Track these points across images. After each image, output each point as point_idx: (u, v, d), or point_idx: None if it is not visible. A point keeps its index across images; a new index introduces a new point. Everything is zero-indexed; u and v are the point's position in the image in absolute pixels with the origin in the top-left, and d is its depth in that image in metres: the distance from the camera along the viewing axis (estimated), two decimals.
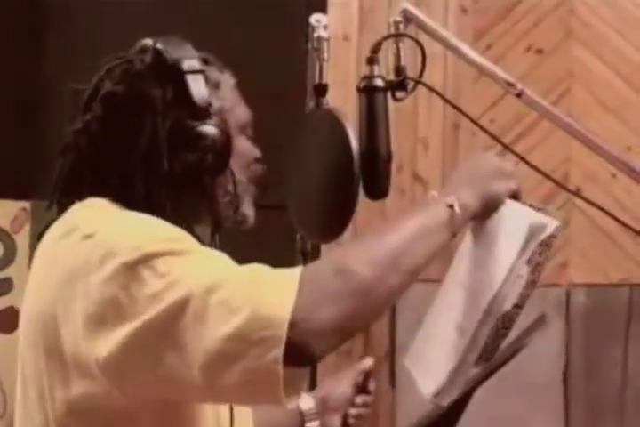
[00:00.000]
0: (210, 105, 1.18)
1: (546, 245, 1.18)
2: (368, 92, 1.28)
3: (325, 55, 1.33)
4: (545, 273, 3.07)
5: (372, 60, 1.28)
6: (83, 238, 1.10)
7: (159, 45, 1.20)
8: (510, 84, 1.29)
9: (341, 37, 3.04)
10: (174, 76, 1.18)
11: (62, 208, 1.21)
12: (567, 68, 3.00)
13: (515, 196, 1.22)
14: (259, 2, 3.25)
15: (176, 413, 1.14)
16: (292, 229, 1.38)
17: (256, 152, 1.29)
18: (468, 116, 1.39)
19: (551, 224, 1.18)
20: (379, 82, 1.28)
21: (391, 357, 2.87)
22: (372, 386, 1.51)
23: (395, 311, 2.76)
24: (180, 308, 1.01)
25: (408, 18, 1.31)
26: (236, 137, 1.23)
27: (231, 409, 1.19)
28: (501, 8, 3.06)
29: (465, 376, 1.20)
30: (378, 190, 1.26)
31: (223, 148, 1.18)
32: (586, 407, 2.73)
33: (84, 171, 1.20)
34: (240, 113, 1.27)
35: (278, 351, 0.97)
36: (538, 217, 1.20)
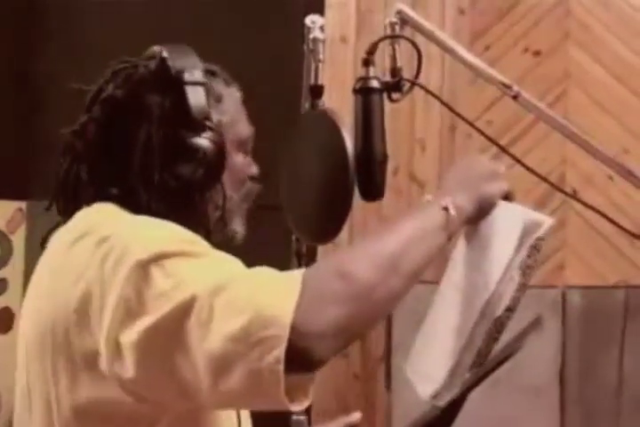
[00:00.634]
0: (207, 118, 1.17)
1: (535, 248, 1.19)
2: (364, 93, 1.27)
3: (321, 56, 1.33)
4: (541, 275, 3.08)
5: (367, 62, 1.28)
6: (98, 243, 1.09)
7: (165, 53, 1.20)
8: (507, 86, 1.29)
9: (339, 39, 3.04)
10: (175, 85, 1.18)
11: (63, 210, 1.21)
12: (564, 69, 3.00)
13: (507, 197, 1.22)
14: (257, 3, 3.25)
15: (190, 419, 1.13)
16: (288, 230, 1.38)
17: (253, 169, 1.28)
18: (463, 118, 1.39)
19: (546, 221, 1.19)
20: (374, 83, 1.27)
21: (387, 358, 2.87)
22: None
23: (391, 313, 2.76)
24: (186, 309, 1.01)
25: (404, 19, 1.31)
26: (232, 152, 1.23)
27: (238, 418, 1.18)
28: (499, 10, 3.06)
29: (462, 377, 1.20)
30: (373, 192, 1.26)
31: (215, 162, 1.18)
32: (581, 409, 2.73)
33: (80, 173, 1.20)
34: (240, 128, 1.26)
35: (279, 351, 0.97)
36: (532, 215, 1.20)
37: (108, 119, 1.19)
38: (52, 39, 3.51)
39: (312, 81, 1.33)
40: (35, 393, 1.15)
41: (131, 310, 1.03)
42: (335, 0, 3.07)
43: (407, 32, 1.34)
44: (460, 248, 1.26)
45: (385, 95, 1.28)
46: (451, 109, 1.38)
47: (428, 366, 1.24)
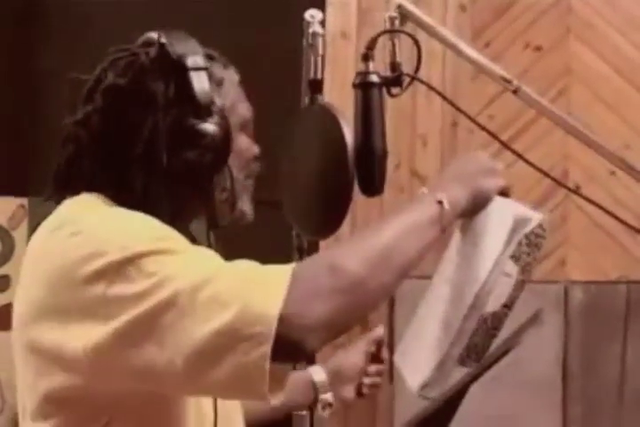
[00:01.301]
0: (212, 103, 1.18)
1: (535, 245, 1.19)
2: (363, 88, 1.27)
3: (320, 51, 1.32)
4: (543, 270, 3.07)
5: (366, 57, 1.28)
6: (70, 235, 1.09)
7: (164, 40, 1.20)
8: (506, 81, 1.29)
9: (340, 35, 3.03)
10: (178, 72, 1.17)
11: (60, 201, 1.21)
12: (566, 64, 3.00)
13: (504, 193, 1.22)
14: None
15: (158, 408, 1.14)
16: (289, 225, 1.38)
17: (255, 149, 1.29)
18: (464, 113, 1.39)
19: (535, 217, 1.19)
20: (374, 78, 1.27)
21: (390, 351, 2.87)
22: (384, 354, 1.52)
23: (393, 307, 2.76)
24: (167, 305, 1.01)
25: (403, 14, 1.31)
26: (236, 135, 1.23)
27: (215, 407, 1.18)
28: (500, 5, 3.06)
29: (450, 370, 1.21)
30: (373, 187, 1.26)
31: (222, 146, 1.18)
32: (584, 404, 2.72)
33: (82, 163, 1.20)
34: (242, 110, 1.27)
35: (266, 348, 0.97)
36: (523, 211, 1.20)
37: (111, 108, 1.19)
38: (53, 37, 3.51)
39: (311, 76, 1.33)
40: (20, 383, 1.17)
41: (109, 310, 1.03)
42: None
43: (409, 28, 1.33)
44: (454, 243, 1.26)
45: (385, 90, 1.28)
46: (452, 104, 1.38)
47: (417, 359, 1.24)
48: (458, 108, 1.38)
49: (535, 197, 2.87)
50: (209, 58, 1.22)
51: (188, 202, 1.20)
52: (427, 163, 3.04)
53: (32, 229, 3.30)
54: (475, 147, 2.96)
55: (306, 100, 1.34)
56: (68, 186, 1.21)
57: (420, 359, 1.24)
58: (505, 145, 1.40)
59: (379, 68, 1.29)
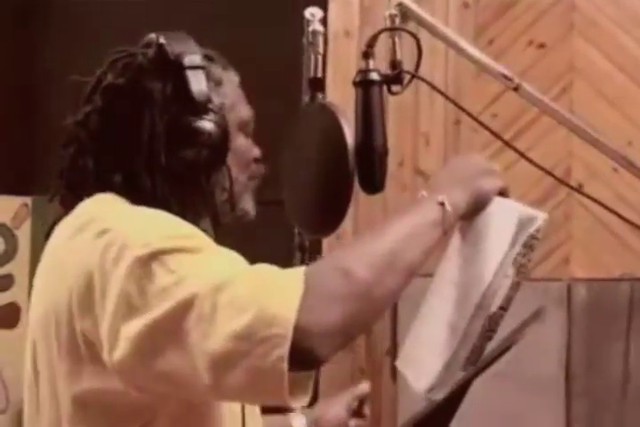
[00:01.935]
0: (209, 101, 1.18)
1: (529, 247, 1.19)
2: (364, 85, 1.27)
3: (321, 49, 1.32)
4: (546, 268, 3.07)
5: (367, 54, 1.28)
6: (97, 235, 1.10)
7: (162, 40, 1.20)
8: (507, 78, 1.29)
9: (342, 33, 3.03)
10: (175, 70, 1.18)
11: (65, 202, 1.21)
12: (569, 62, 2.99)
13: (502, 193, 1.23)
14: None
15: (193, 413, 1.14)
16: (290, 224, 1.38)
17: (256, 152, 1.29)
18: (467, 111, 1.39)
19: (540, 216, 1.19)
20: (374, 75, 1.27)
21: (393, 352, 2.87)
22: (366, 411, 1.51)
23: (396, 307, 2.76)
24: (187, 306, 1.01)
25: (404, 11, 1.31)
26: (235, 135, 1.23)
27: (243, 411, 1.19)
28: (503, 3, 3.05)
29: (457, 371, 1.21)
30: (373, 184, 1.26)
31: (220, 144, 1.19)
32: (587, 402, 2.72)
33: (85, 163, 1.20)
34: (241, 111, 1.27)
35: (283, 350, 0.97)
36: (526, 210, 1.21)
37: (110, 108, 1.20)
38: (55, 37, 3.52)
39: (312, 74, 1.33)
40: (43, 385, 1.16)
41: (132, 306, 1.03)
42: None
43: (411, 26, 1.33)
44: (454, 244, 1.26)
45: (385, 88, 1.28)
46: (453, 103, 1.39)
47: (423, 361, 1.24)
48: (460, 107, 1.39)
49: (538, 195, 2.87)
50: (208, 59, 1.23)
51: (191, 201, 1.20)
52: (430, 161, 3.04)
53: (35, 227, 3.31)
54: (478, 145, 2.95)
55: (306, 98, 1.34)
56: (72, 186, 1.21)
57: (425, 362, 1.24)
58: (507, 144, 1.40)
59: (380, 66, 1.29)
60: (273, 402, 1.03)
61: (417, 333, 1.28)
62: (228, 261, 1.07)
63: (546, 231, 1.22)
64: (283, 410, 1.39)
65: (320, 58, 1.32)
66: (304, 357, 0.99)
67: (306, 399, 1.02)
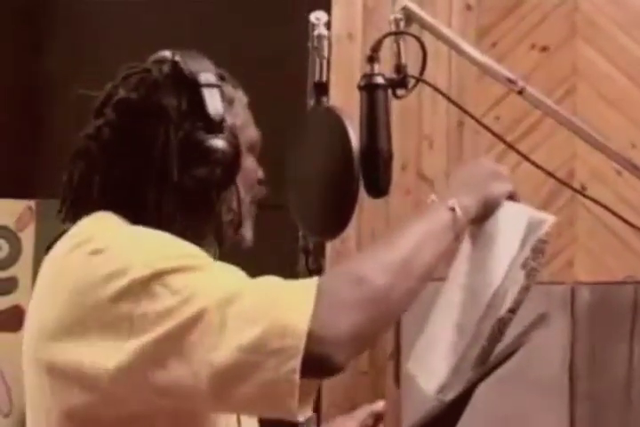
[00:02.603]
0: (224, 120, 1.18)
1: (539, 251, 1.20)
2: (368, 89, 1.28)
3: (326, 53, 1.33)
4: (550, 271, 3.06)
5: (372, 59, 1.29)
6: (92, 253, 1.09)
7: (177, 57, 1.20)
8: (511, 81, 1.29)
9: (345, 36, 3.03)
10: (191, 88, 1.18)
11: (70, 216, 1.21)
12: (572, 65, 3.00)
13: (512, 197, 1.23)
14: (262, 0, 3.25)
15: (185, 421, 1.13)
16: (295, 227, 1.38)
17: (260, 173, 1.29)
18: (470, 114, 1.39)
19: (550, 219, 1.20)
20: (379, 80, 1.28)
21: (397, 355, 2.87)
22: None
23: None
24: (194, 323, 1.00)
25: (408, 15, 1.31)
26: (244, 155, 1.23)
27: (238, 417, 1.18)
28: (506, 5, 3.06)
29: (466, 373, 1.21)
30: (378, 188, 1.26)
31: (232, 163, 1.18)
32: (591, 405, 2.72)
33: (94, 178, 1.19)
34: (250, 132, 1.27)
35: (296, 362, 0.97)
36: (535, 213, 1.21)
37: (123, 122, 1.19)
38: (59, 39, 3.52)
39: (317, 78, 1.33)
40: (30, 396, 1.15)
41: (133, 328, 1.03)
42: None
43: (414, 28, 1.34)
44: (464, 248, 1.27)
45: (390, 92, 1.28)
46: (457, 106, 1.39)
47: (433, 363, 1.24)
48: (464, 110, 1.39)
49: (541, 197, 2.87)
50: (220, 77, 1.23)
51: (195, 219, 1.20)
52: (433, 164, 3.04)
53: (39, 231, 3.31)
54: (481, 148, 2.96)
55: (311, 102, 1.34)
56: (80, 200, 1.20)
57: (434, 364, 1.24)
58: (511, 146, 1.41)
59: (384, 70, 1.30)
60: (278, 414, 1.02)
61: (427, 335, 1.28)
62: (232, 275, 1.06)
63: (549, 234, 1.22)
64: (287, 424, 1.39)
65: (325, 62, 1.32)
66: (321, 365, 0.98)
67: (309, 412, 1.02)
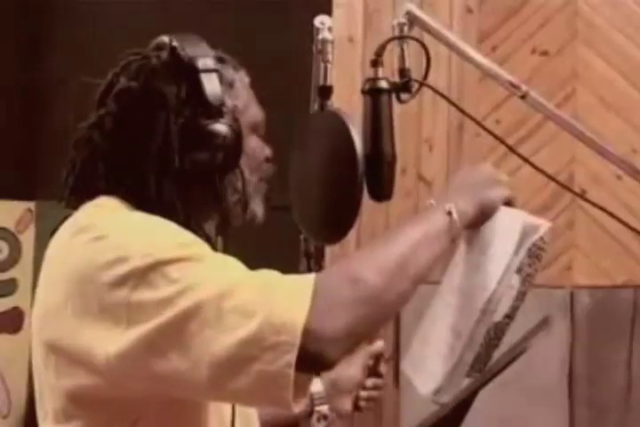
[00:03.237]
0: (223, 104, 1.19)
1: (536, 257, 1.21)
2: (373, 94, 1.28)
3: (330, 57, 1.33)
4: (549, 275, 3.06)
5: (376, 63, 1.29)
6: (93, 240, 1.10)
7: (175, 43, 1.21)
8: (515, 86, 1.30)
9: (346, 39, 3.04)
10: (189, 74, 1.19)
11: (72, 205, 1.22)
12: (572, 69, 3.00)
13: (509, 203, 1.23)
14: (263, 3, 3.26)
15: (180, 409, 1.15)
16: (296, 229, 1.39)
17: (267, 151, 1.30)
18: (474, 119, 1.40)
19: (544, 224, 1.20)
20: (383, 84, 1.28)
21: (395, 357, 2.87)
22: (382, 369, 1.52)
23: (399, 313, 2.76)
24: (192, 314, 1.02)
25: (412, 20, 1.31)
26: (247, 136, 1.24)
27: (233, 409, 1.20)
28: (507, 9, 3.06)
29: (462, 375, 1.22)
30: (382, 192, 1.27)
31: (234, 147, 1.19)
32: (590, 410, 2.72)
33: (97, 166, 1.21)
34: (253, 112, 1.28)
35: (291, 356, 0.99)
36: (531, 218, 1.22)
37: (124, 111, 1.20)
38: (59, 42, 3.53)
39: (321, 82, 1.34)
40: (41, 385, 1.17)
41: (131, 316, 1.04)
42: (343, 0, 3.07)
43: (414, 31, 1.34)
44: (460, 252, 1.27)
45: (394, 96, 1.29)
46: (460, 110, 1.39)
47: (429, 365, 1.25)
48: (467, 115, 1.39)
49: (541, 201, 2.87)
50: (220, 60, 1.23)
51: (201, 203, 1.21)
52: (433, 167, 3.05)
53: (39, 232, 3.31)
54: (480, 151, 2.96)
55: (315, 105, 1.35)
56: (82, 189, 1.21)
57: (430, 365, 1.25)
58: (511, 149, 1.41)
59: (386, 74, 1.30)
60: (273, 406, 1.04)
61: (423, 337, 1.29)
62: (231, 267, 1.08)
63: (548, 238, 1.23)
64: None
65: (329, 66, 1.32)
66: (313, 361, 1.01)
67: (303, 404, 1.04)
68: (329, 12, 2.90)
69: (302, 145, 1.36)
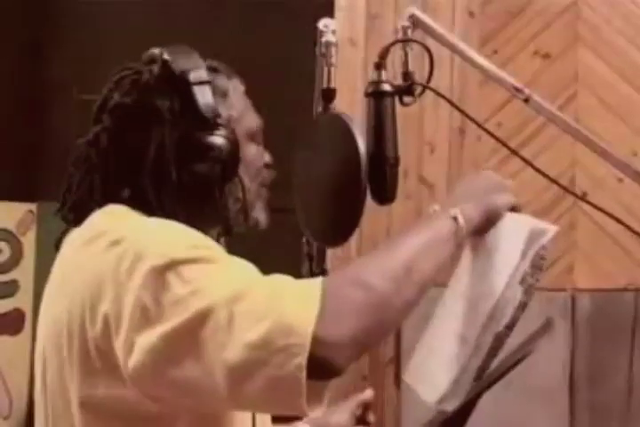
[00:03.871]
0: (217, 115, 1.19)
1: (538, 267, 1.20)
2: (375, 97, 1.28)
3: (333, 60, 1.33)
4: (550, 278, 3.06)
5: (379, 66, 1.29)
6: (110, 245, 1.10)
7: (166, 56, 1.21)
8: (518, 90, 1.30)
9: (348, 42, 3.04)
10: (182, 87, 1.19)
11: (72, 219, 1.22)
12: (574, 72, 3.00)
13: (514, 209, 1.24)
14: (266, 6, 3.26)
15: (209, 424, 1.14)
16: (298, 232, 1.39)
17: (266, 158, 1.30)
18: (476, 122, 1.40)
19: (551, 229, 1.20)
20: (386, 87, 1.28)
21: (397, 360, 2.87)
22: (371, 418, 1.51)
23: None
24: (203, 317, 1.02)
25: (415, 23, 1.31)
26: (245, 145, 1.24)
27: (253, 420, 1.20)
28: (508, 12, 3.06)
29: (468, 383, 1.21)
30: (385, 195, 1.27)
31: (231, 158, 1.20)
32: (591, 413, 2.72)
33: (94, 183, 1.21)
34: (249, 120, 1.28)
35: (302, 359, 0.98)
36: (538, 223, 1.22)
37: (119, 127, 1.20)
38: (61, 44, 3.53)
39: (324, 84, 1.34)
40: (54, 396, 1.16)
41: (148, 317, 1.04)
42: (345, 3, 3.07)
43: (417, 34, 1.34)
44: (465, 258, 1.27)
45: (397, 99, 1.29)
46: (462, 112, 1.39)
47: (433, 373, 1.24)
48: (469, 118, 1.39)
49: (542, 203, 2.87)
50: (212, 70, 1.23)
51: (202, 214, 1.20)
52: (434, 170, 3.05)
53: (40, 234, 3.31)
54: (482, 154, 2.96)
55: (319, 108, 1.35)
56: (81, 206, 1.21)
57: (435, 374, 1.24)
58: (513, 152, 1.41)
59: (389, 76, 1.30)
60: (289, 411, 1.03)
61: (427, 345, 1.28)
62: (244, 271, 1.08)
63: (551, 245, 1.22)
64: (292, 419, 1.39)
65: (333, 69, 1.33)
66: (321, 367, 1.00)
67: (321, 408, 1.03)
68: (331, 14, 2.91)
69: (305, 147, 1.36)
